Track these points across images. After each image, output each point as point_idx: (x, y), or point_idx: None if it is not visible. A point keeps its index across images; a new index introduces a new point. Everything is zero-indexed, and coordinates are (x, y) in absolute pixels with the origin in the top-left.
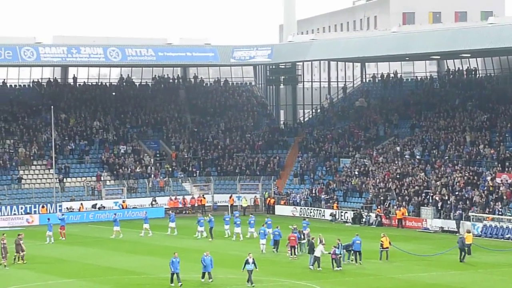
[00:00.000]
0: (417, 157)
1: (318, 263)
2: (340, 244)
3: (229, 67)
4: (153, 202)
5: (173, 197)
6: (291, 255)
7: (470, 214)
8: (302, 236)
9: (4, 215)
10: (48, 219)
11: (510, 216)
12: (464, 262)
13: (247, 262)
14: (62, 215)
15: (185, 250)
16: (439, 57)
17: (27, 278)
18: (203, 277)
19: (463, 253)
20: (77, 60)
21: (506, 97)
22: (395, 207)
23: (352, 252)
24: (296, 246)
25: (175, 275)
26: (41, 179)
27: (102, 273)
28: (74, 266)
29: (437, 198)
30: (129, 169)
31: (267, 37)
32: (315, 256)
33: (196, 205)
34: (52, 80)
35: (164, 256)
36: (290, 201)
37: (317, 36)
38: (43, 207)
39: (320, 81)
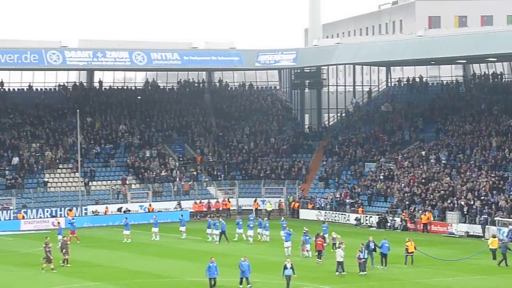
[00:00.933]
0: (443, 161)
1: (342, 268)
2: (363, 249)
3: (254, 71)
4: (177, 206)
5: (197, 201)
6: (318, 258)
7: (495, 218)
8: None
9: (30, 219)
10: (58, 222)
11: None
12: (501, 267)
13: (285, 268)
14: (72, 219)
15: (211, 254)
16: (465, 61)
17: (54, 281)
18: (241, 283)
19: (503, 258)
20: (103, 64)
21: None
22: (420, 211)
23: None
24: (322, 250)
25: (212, 281)
26: (66, 182)
27: (128, 276)
28: (100, 269)
29: (462, 203)
30: (154, 173)
31: (292, 41)
32: (337, 261)
33: (220, 208)
34: (78, 83)
35: (190, 260)
36: (316, 205)
37: (342, 40)
38: (70, 210)
39: (345, 85)
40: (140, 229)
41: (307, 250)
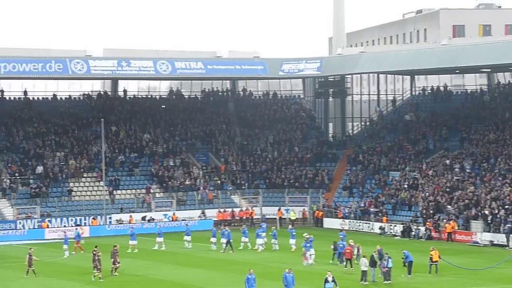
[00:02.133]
0: (467, 170)
1: (365, 277)
2: (387, 258)
3: (278, 80)
4: (201, 215)
5: (221, 210)
6: (345, 267)
7: None
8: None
9: (54, 227)
10: (64, 232)
11: None
12: None
13: (326, 281)
14: (76, 229)
15: (235, 263)
16: (489, 70)
17: None
18: None
19: None
20: (127, 73)
21: None
22: (445, 220)
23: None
24: (351, 259)
25: None
26: (91, 191)
27: (151, 285)
28: (123, 278)
29: (486, 212)
30: (178, 182)
31: (316, 50)
32: (362, 270)
33: (244, 217)
34: (102, 92)
35: (212, 269)
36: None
37: (367, 48)
38: (94, 219)
39: (369, 94)
40: (167, 238)
41: (310, 255)
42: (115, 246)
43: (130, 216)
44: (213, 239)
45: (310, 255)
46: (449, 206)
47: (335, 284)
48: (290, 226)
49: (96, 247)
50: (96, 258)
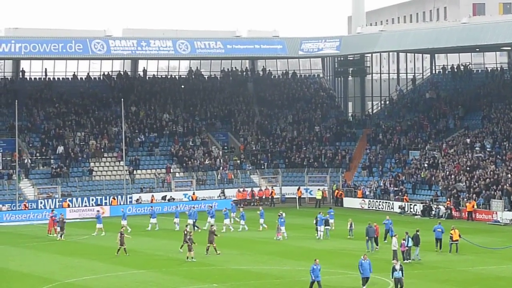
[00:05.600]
0: (487, 149)
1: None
2: (408, 237)
3: (297, 59)
4: (221, 194)
5: (241, 189)
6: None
7: None
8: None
9: (75, 207)
10: (98, 211)
11: None
12: None
13: (394, 270)
14: (52, 211)
15: (251, 242)
16: (509, 48)
17: (98, 270)
18: (364, 283)
19: None
20: (147, 53)
21: None
22: (465, 199)
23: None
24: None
25: (316, 283)
26: (111, 171)
27: (172, 264)
28: (144, 257)
29: (509, 189)
30: (198, 161)
31: (335, 29)
32: (393, 250)
33: (264, 197)
34: (122, 73)
35: (232, 248)
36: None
37: (386, 27)
38: (114, 198)
39: (388, 73)
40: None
41: (282, 233)
42: (212, 225)
43: (152, 196)
44: (176, 220)
45: (282, 232)
46: (460, 183)
47: (402, 274)
48: (280, 211)
49: (187, 226)
50: (188, 237)
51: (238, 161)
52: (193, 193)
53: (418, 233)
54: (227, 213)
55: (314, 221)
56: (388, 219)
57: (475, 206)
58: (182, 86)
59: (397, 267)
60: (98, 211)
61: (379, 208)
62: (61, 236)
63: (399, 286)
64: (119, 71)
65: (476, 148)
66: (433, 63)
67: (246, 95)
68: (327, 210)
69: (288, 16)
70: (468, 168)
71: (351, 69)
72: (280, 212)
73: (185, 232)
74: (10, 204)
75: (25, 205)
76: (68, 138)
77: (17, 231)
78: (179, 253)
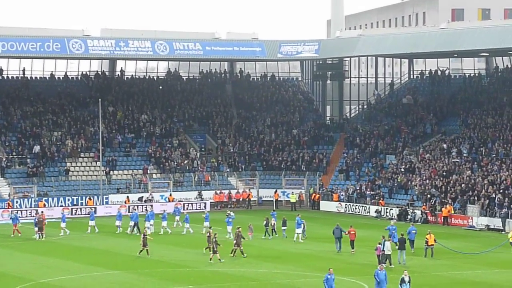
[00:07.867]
0: (464, 154)
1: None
2: (384, 241)
3: (276, 62)
4: (198, 196)
5: (218, 191)
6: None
7: None
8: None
9: (50, 206)
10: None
11: None
12: None
13: (402, 281)
14: (12, 212)
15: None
16: (487, 54)
17: (73, 270)
18: None
19: None
20: (125, 53)
21: None
22: (441, 205)
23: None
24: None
25: None
26: (88, 171)
27: (148, 265)
28: (120, 258)
29: (483, 196)
30: (175, 163)
31: (314, 32)
32: (386, 254)
33: (241, 199)
34: (100, 73)
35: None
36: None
37: (365, 31)
38: (89, 199)
39: (367, 77)
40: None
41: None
42: (238, 228)
43: (127, 197)
44: (118, 223)
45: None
46: (433, 189)
47: (409, 285)
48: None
49: (210, 228)
50: (214, 240)
51: (216, 163)
52: (170, 195)
53: (403, 236)
54: (164, 216)
55: (264, 222)
56: (392, 224)
57: (451, 211)
58: (160, 87)
59: (406, 278)
60: (91, 208)
61: (355, 212)
62: (40, 237)
63: None
64: (97, 71)
65: (453, 153)
66: (411, 68)
67: (224, 97)
68: (276, 213)
69: (267, 19)
70: (444, 173)
71: (329, 72)
72: (228, 212)
73: (209, 234)
74: None
75: (9, 203)
76: (45, 138)
77: None
78: (155, 255)
